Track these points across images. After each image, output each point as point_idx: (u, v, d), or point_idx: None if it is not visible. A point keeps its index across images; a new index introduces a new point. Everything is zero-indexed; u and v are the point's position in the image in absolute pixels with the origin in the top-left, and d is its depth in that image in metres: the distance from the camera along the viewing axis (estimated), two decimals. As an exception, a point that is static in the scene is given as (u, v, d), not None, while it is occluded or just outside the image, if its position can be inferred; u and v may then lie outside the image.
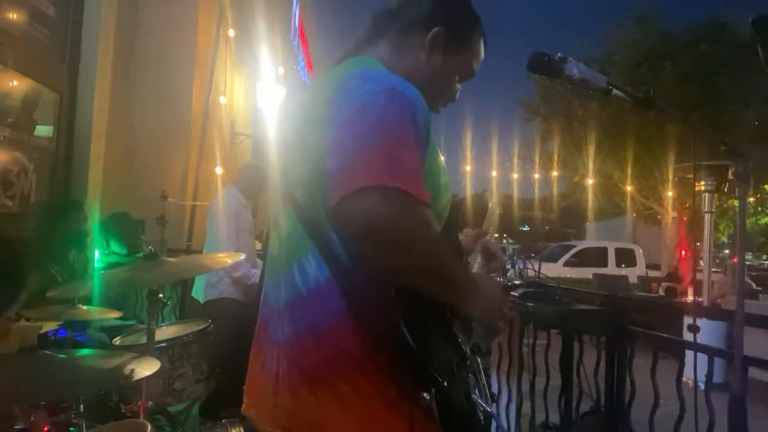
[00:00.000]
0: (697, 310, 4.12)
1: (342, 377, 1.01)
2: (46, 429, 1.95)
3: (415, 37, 1.20)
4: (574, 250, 15.08)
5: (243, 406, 1.19)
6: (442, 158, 1.19)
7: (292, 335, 1.07)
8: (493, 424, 1.14)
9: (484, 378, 1.11)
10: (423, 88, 1.06)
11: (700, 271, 5.94)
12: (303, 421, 1.03)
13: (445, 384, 0.97)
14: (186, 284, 4.14)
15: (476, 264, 1.37)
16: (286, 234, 1.12)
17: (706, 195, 4.56)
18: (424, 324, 0.99)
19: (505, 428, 2.96)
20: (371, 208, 0.88)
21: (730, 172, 1.28)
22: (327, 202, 0.96)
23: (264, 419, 1.10)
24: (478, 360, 1.10)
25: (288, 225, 1.11)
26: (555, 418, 2.96)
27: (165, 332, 2.72)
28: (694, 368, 2.22)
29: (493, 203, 1.47)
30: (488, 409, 1.07)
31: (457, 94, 1.31)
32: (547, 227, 24.24)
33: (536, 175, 17.28)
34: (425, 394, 0.95)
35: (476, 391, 1.06)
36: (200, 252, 3.89)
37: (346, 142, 0.96)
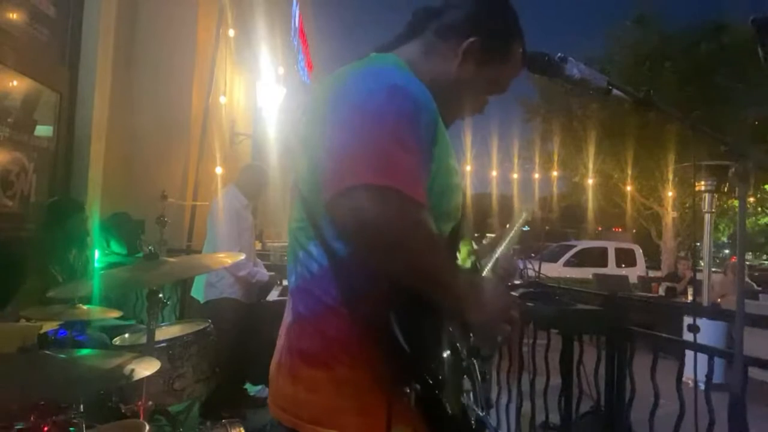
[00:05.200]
0: (697, 310, 4.12)
1: (337, 362, 1.03)
2: (46, 429, 1.95)
3: (448, 44, 1.16)
4: (574, 250, 15.07)
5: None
6: (454, 159, 1.15)
7: (295, 319, 1.11)
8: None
9: (480, 382, 1.07)
10: (445, 96, 1.06)
11: (700, 271, 5.93)
12: (302, 403, 1.05)
13: (432, 383, 0.94)
14: (186, 284, 4.14)
15: (486, 269, 1.32)
16: (295, 226, 1.15)
17: (706, 195, 4.57)
18: (417, 320, 0.98)
19: None
20: (358, 206, 0.88)
21: (730, 172, 1.28)
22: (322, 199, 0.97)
23: (272, 401, 1.14)
24: (476, 363, 1.07)
25: (297, 217, 1.14)
26: (555, 418, 2.96)
27: (165, 332, 2.72)
28: (694, 368, 2.22)
29: (525, 208, 1.37)
30: (480, 413, 1.04)
31: (485, 107, 1.27)
32: (547, 227, 24.18)
33: (536, 175, 17.26)
34: (407, 389, 0.93)
35: (470, 394, 1.03)
36: (200, 252, 3.90)
37: (340, 141, 0.96)
